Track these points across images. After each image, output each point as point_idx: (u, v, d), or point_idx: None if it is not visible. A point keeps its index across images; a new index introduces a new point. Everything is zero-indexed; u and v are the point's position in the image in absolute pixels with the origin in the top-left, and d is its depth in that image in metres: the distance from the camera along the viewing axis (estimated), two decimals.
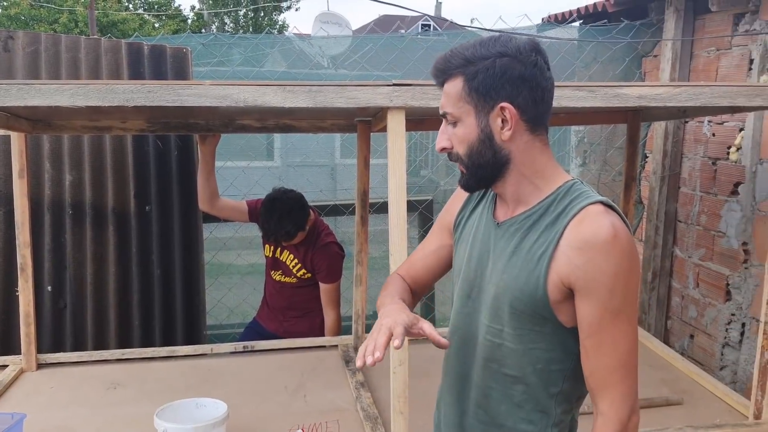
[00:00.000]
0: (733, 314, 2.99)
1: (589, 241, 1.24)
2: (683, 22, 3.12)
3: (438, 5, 42.19)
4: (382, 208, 3.82)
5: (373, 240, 3.15)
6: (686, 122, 3.27)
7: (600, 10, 3.54)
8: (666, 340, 3.41)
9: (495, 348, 1.38)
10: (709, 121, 3.11)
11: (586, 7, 3.65)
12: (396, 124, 1.93)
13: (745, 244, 2.90)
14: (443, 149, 1.36)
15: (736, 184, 2.94)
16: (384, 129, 2.15)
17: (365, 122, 2.82)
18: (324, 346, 3.01)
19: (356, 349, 2.95)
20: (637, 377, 1.31)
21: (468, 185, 1.40)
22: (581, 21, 3.91)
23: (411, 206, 3.89)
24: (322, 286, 3.09)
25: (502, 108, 1.28)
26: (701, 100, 2.01)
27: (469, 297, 1.45)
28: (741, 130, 2.92)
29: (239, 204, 3.15)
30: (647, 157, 3.53)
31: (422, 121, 2.88)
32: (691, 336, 3.29)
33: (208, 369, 2.77)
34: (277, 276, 3.13)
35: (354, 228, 2.94)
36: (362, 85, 1.89)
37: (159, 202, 3.14)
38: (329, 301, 3.10)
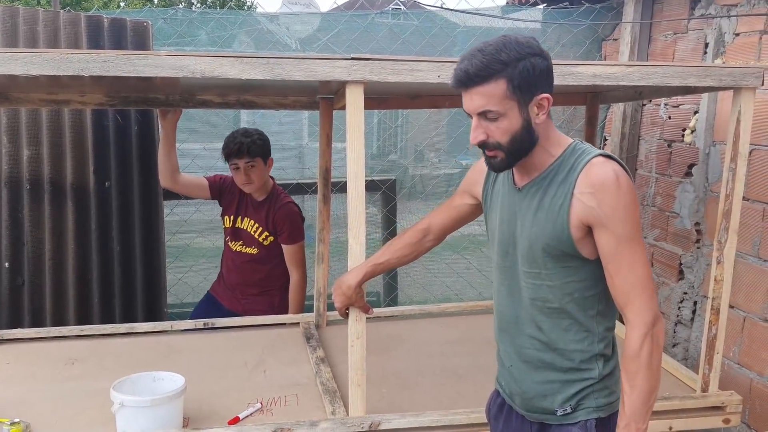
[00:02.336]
0: (685, 293, 3.07)
1: (597, 185, 1.54)
2: (642, 6, 3.18)
3: None
4: (345, 188, 3.84)
5: (341, 224, 3.16)
6: (644, 105, 3.33)
7: None
8: (620, 320, 3.48)
9: (537, 288, 1.66)
10: (666, 104, 3.18)
11: None
12: (355, 98, 1.95)
13: (697, 224, 2.98)
14: (482, 142, 1.57)
15: (690, 166, 3.01)
16: (345, 107, 2.16)
17: (327, 99, 2.82)
18: (285, 324, 3.02)
19: (317, 327, 2.97)
20: (655, 292, 1.60)
21: (502, 167, 1.63)
22: (545, 3, 3.94)
23: (375, 186, 3.90)
24: (287, 248, 3.08)
25: (544, 98, 1.54)
26: (653, 79, 2.05)
27: (507, 253, 1.72)
28: (695, 113, 2.99)
29: (200, 179, 3.13)
30: (606, 139, 3.59)
31: (385, 99, 2.90)
32: None
33: (168, 345, 2.76)
34: (237, 246, 3.11)
35: (316, 206, 2.95)
36: (320, 58, 1.90)
37: (119, 178, 3.11)
38: (294, 262, 3.10)
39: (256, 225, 3.06)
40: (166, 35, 3.58)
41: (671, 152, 3.14)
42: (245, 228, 3.08)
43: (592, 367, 1.66)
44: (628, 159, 3.35)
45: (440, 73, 1.96)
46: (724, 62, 2.78)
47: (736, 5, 2.74)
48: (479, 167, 1.87)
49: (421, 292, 4.74)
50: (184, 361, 2.59)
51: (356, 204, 2.00)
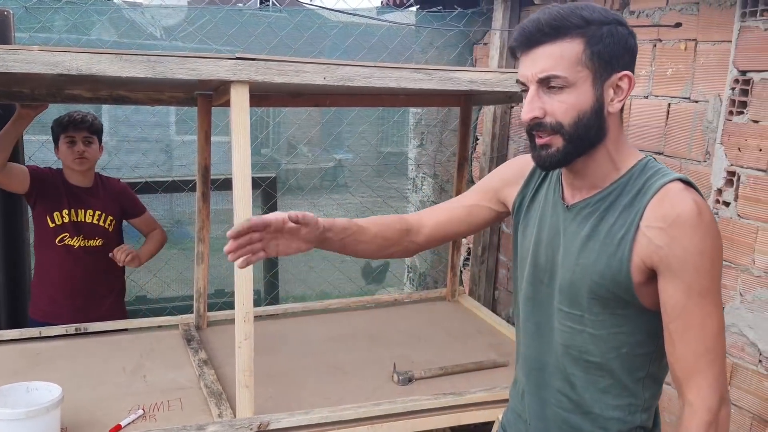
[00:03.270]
0: None
1: (673, 220, 1.19)
2: (510, 13, 3.35)
3: None
4: (224, 185, 3.78)
5: (214, 219, 3.11)
6: (512, 107, 3.52)
7: None
8: (494, 309, 3.68)
9: (575, 334, 1.33)
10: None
11: None
12: (240, 98, 1.93)
13: None
14: (535, 118, 1.25)
15: None
16: (225, 104, 2.14)
17: (206, 96, 2.77)
18: (163, 326, 2.94)
19: (198, 328, 2.91)
20: (725, 366, 1.25)
21: (555, 161, 1.28)
22: (418, 6, 4.06)
23: (254, 183, 3.85)
24: (139, 220, 3.11)
25: (625, 77, 1.23)
26: None
27: (542, 283, 1.40)
28: None
29: (21, 167, 2.86)
30: (478, 139, 3.76)
31: (266, 96, 2.88)
32: None
33: (37, 353, 2.61)
34: (79, 242, 2.91)
35: (195, 205, 2.89)
36: (204, 57, 1.87)
37: None
38: (152, 224, 3.16)
39: (98, 212, 2.94)
40: (20, 20, 3.38)
41: None
42: (86, 220, 2.92)
43: None
44: (498, 158, 3.54)
45: (326, 75, 1.99)
46: None
47: None
48: (516, 165, 1.52)
49: (301, 287, 4.75)
50: (57, 369, 2.46)
51: (242, 204, 1.99)
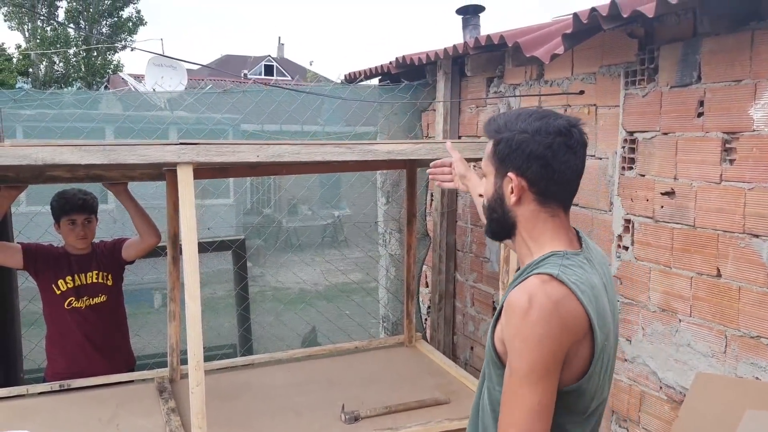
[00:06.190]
0: None
1: (508, 308, 1.41)
2: (451, 84, 3.71)
3: (281, 46, 42.94)
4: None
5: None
6: None
7: (385, 71, 4.10)
8: (453, 354, 3.94)
9: (491, 392, 1.54)
10: (475, 166, 3.70)
11: (376, 67, 4.20)
12: (185, 177, 2.27)
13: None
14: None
15: None
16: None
17: (173, 171, 3.11)
18: (141, 380, 3.22)
19: (171, 381, 3.19)
20: None
21: (486, 232, 1.67)
22: (380, 79, 4.44)
23: (225, 245, 4.19)
24: (130, 241, 3.32)
25: (509, 177, 1.51)
26: (435, 153, 2.52)
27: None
28: None
29: (12, 244, 3.15)
30: (433, 196, 4.08)
31: (226, 169, 3.22)
32: (471, 348, 3.84)
33: (24, 408, 2.89)
34: (85, 302, 3.19)
35: (167, 267, 3.20)
36: (152, 144, 2.21)
37: None
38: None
39: (97, 272, 3.23)
40: (31, 99, 3.76)
41: None
42: (89, 282, 3.21)
43: None
44: (449, 213, 3.85)
45: (259, 153, 2.32)
46: None
47: (519, 84, 3.31)
48: None
49: (273, 340, 5.00)
50: (40, 421, 2.73)
51: (191, 267, 2.29)
